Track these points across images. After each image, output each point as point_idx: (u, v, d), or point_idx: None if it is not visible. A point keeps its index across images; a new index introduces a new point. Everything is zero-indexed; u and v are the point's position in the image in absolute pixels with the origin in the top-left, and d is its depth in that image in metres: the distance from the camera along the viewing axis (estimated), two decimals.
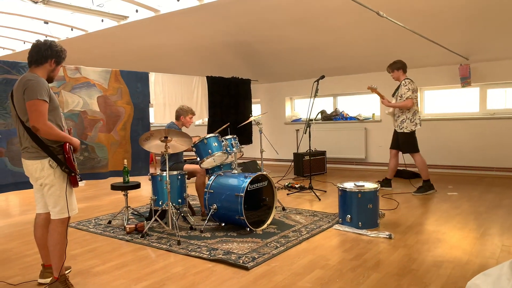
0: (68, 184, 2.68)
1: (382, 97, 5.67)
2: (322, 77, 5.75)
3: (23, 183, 4.26)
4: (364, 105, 8.19)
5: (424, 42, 5.76)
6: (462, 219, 4.23)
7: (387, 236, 3.67)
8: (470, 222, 4.11)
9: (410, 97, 5.33)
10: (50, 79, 2.74)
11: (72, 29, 7.44)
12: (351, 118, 8.11)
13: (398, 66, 5.52)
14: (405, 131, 5.45)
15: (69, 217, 2.71)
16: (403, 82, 5.45)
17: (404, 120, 5.46)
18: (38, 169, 2.62)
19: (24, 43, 8.31)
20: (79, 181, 2.75)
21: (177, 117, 4.83)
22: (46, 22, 6.97)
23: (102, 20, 6.92)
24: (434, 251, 3.30)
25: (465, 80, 6.65)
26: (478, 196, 5.27)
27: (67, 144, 2.65)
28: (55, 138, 2.60)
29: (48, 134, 2.56)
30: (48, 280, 2.83)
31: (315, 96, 5.89)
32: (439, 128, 7.14)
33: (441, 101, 7.36)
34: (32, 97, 2.50)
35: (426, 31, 5.49)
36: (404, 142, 5.52)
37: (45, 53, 2.64)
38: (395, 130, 5.70)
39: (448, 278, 2.77)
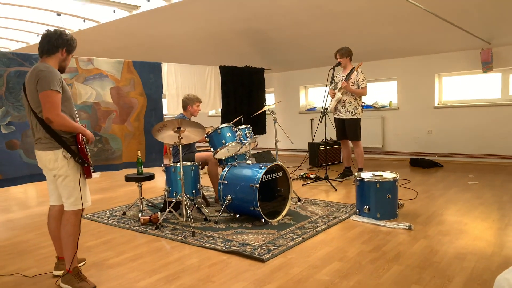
0: (82, 175, 2.66)
1: (347, 81, 5.53)
2: (338, 64, 5.61)
3: (38, 175, 4.25)
4: (380, 92, 8.00)
5: (444, 25, 5.56)
6: (485, 209, 4.09)
7: (407, 227, 3.56)
8: (494, 212, 3.97)
9: (366, 85, 5.53)
10: (61, 69, 2.71)
11: (84, 21, 7.41)
12: (368, 106, 7.94)
13: (347, 54, 5.58)
14: (358, 117, 5.62)
15: (82, 209, 2.69)
16: (359, 70, 5.51)
17: (357, 107, 5.60)
18: (52, 160, 2.60)
19: (38, 35, 8.32)
20: (93, 172, 2.72)
21: (184, 107, 4.75)
22: (58, 14, 6.95)
23: (114, 11, 6.86)
24: (457, 243, 3.18)
25: (487, 65, 6.41)
26: (501, 185, 5.10)
27: (80, 134, 2.62)
28: (68, 129, 2.58)
29: (62, 125, 2.53)
30: (61, 272, 2.82)
31: (331, 84, 5.76)
32: (459, 116, 6.92)
33: (461, 87, 7.13)
34: (45, 88, 2.47)
35: (446, 13, 5.28)
36: (354, 128, 5.64)
37: (56, 42, 2.61)
38: (338, 119, 5.75)
39: (473, 271, 2.66)
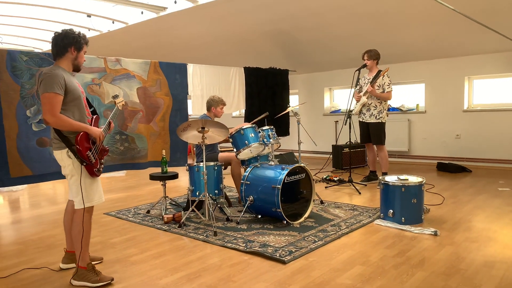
0: (86, 174, 2.66)
1: (372, 85, 5.42)
2: (364, 66, 5.54)
3: None
4: (407, 95, 7.84)
5: (474, 26, 5.38)
6: None
7: (433, 233, 3.47)
8: None
9: (391, 89, 5.44)
10: (76, 68, 2.75)
11: (113, 22, 7.60)
12: (394, 109, 7.79)
13: (375, 57, 5.48)
14: (382, 121, 5.52)
15: (91, 207, 2.74)
16: (386, 74, 5.38)
17: (382, 111, 5.51)
18: (60, 159, 2.69)
19: None
20: (96, 170, 2.70)
21: (208, 108, 4.79)
22: (89, 16, 7.16)
23: (142, 12, 7.01)
24: (485, 250, 3.07)
25: None
26: None
27: (80, 134, 2.62)
28: (68, 129, 2.60)
29: (59, 126, 2.58)
30: (68, 266, 2.94)
31: (356, 86, 5.69)
32: (489, 120, 6.71)
33: (493, 90, 6.91)
34: (44, 90, 2.52)
35: (477, 14, 5.12)
36: (378, 132, 5.52)
37: (62, 43, 2.63)
38: (362, 123, 5.66)
39: (502, 280, 2.56)
